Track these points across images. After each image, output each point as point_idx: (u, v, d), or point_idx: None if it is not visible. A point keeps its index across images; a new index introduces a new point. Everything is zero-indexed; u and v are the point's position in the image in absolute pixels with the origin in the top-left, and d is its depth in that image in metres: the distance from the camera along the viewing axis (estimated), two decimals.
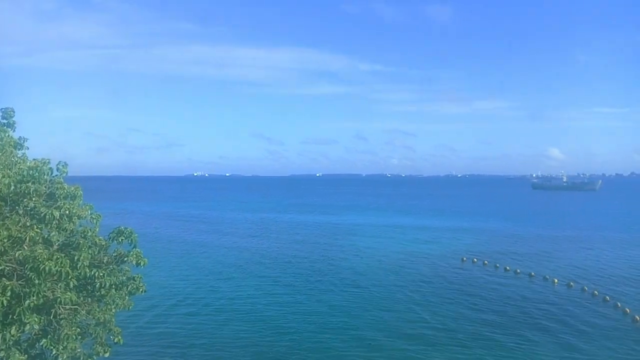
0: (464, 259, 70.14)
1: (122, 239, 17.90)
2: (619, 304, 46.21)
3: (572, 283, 54.98)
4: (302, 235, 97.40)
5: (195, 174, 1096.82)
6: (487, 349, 35.22)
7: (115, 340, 17.89)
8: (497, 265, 65.52)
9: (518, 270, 61.85)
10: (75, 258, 15.69)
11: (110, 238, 18.05)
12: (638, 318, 41.77)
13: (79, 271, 15.77)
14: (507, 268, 63.32)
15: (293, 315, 43.50)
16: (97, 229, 18.05)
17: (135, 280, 17.94)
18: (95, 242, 17.42)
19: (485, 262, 67.59)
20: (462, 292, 51.26)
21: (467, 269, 64.14)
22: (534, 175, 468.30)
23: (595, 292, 50.95)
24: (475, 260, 68.97)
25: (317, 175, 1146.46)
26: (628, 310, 44.09)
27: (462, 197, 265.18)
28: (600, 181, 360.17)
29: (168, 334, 38.51)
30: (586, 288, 52.59)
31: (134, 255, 17.56)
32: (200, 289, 53.02)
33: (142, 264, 17.64)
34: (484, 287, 53.59)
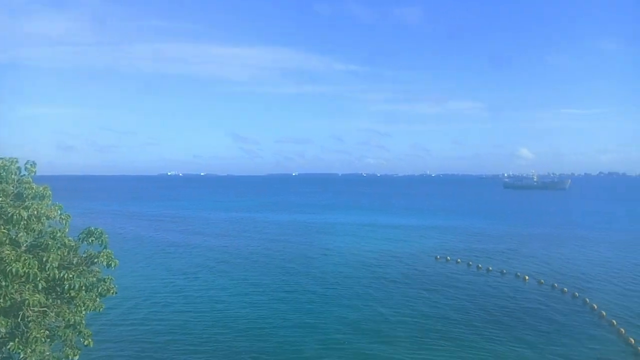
0: (438, 257, 70.98)
1: (92, 240, 17.61)
2: (587, 299, 47.45)
3: (542, 280, 56.17)
4: (274, 235, 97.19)
5: (169, 174, 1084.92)
6: (458, 346, 35.73)
7: (85, 343, 17.56)
8: (470, 263, 66.53)
9: (490, 268, 62.92)
10: (44, 259, 15.39)
11: (80, 239, 17.74)
12: (605, 314, 42.94)
13: (48, 272, 15.48)
14: (480, 266, 64.34)
15: (260, 314, 43.32)
16: (67, 230, 17.71)
17: (106, 282, 17.64)
18: (65, 242, 17.07)
19: (458, 260, 68.57)
20: (435, 290, 51.82)
21: (440, 266, 64.92)
22: (506, 175, 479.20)
23: (565, 289, 52.18)
24: (449, 258, 69.88)
25: (293, 174, 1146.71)
26: (595, 306, 45.29)
27: (436, 196, 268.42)
28: (569, 180, 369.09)
29: (138, 334, 38.06)
30: (556, 285, 53.82)
31: (105, 256, 17.27)
32: (171, 289, 52.51)
33: (112, 265, 17.38)
34: (457, 285, 54.29)
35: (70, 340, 17.30)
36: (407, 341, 36.72)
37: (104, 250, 17.56)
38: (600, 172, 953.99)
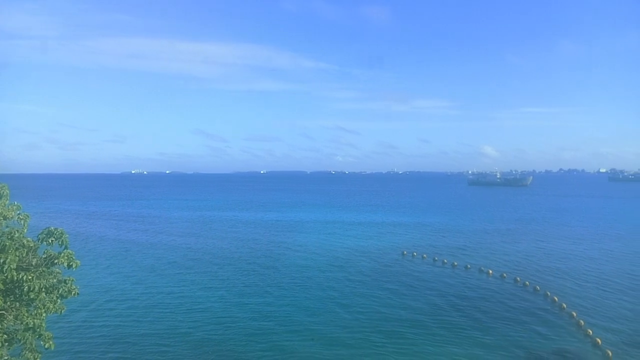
0: (405, 252, 71.88)
1: (52, 240, 17.07)
2: (548, 292, 48.88)
3: (505, 274, 57.54)
4: (242, 233, 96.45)
5: (133, 172, 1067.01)
6: (424, 338, 36.30)
7: (46, 346, 17.06)
8: (436, 258, 67.62)
9: (455, 263, 64.07)
10: (1, 261, 14.88)
11: (39, 239, 17.19)
12: (565, 306, 44.32)
13: (6, 274, 14.98)
14: (445, 261, 65.47)
15: (213, 314, 43.13)
16: (25, 230, 17.17)
17: (67, 283, 17.16)
18: (23, 243, 16.55)
19: (424, 255, 69.58)
20: (400, 287, 52.46)
21: (407, 262, 65.70)
22: (470, 172, 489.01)
23: (527, 282, 53.61)
24: (415, 254, 70.85)
25: (262, 172, 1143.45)
26: (556, 298, 46.71)
27: (403, 193, 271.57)
28: (531, 177, 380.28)
29: (101, 334, 37.50)
30: (518, 279, 55.22)
31: (65, 257, 16.77)
32: (133, 288, 51.84)
33: (73, 266, 16.90)
34: (423, 280, 55.10)
35: (30, 344, 16.78)
36: (366, 340, 37.07)
37: (65, 250, 17.05)
38: (560, 169, 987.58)
